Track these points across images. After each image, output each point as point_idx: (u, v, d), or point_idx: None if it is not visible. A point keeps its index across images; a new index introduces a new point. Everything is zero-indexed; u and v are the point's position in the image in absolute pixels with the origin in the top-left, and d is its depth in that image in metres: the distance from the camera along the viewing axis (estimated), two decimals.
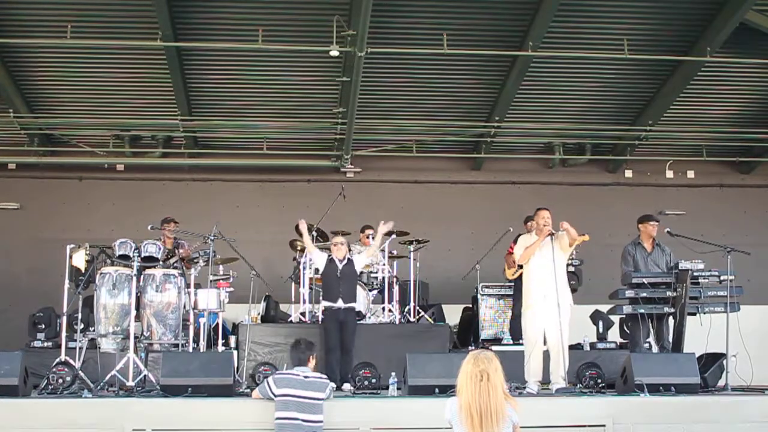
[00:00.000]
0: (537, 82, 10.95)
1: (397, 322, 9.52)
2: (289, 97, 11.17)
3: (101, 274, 7.50)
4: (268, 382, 6.14)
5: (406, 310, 9.88)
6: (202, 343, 8.19)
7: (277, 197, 12.20)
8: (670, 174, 12.80)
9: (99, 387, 7.01)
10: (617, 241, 8.96)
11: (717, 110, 11.80)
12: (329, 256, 8.67)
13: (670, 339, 8.33)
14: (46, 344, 9.14)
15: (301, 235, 9.03)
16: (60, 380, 6.89)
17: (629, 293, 8.25)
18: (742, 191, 12.90)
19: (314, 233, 9.67)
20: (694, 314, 8.15)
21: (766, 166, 12.78)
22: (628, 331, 8.99)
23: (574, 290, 9.50)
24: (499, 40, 10.06)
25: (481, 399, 4.04)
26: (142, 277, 7.57)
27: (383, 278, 9.69)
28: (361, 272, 9.14)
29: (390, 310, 9.60)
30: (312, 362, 6.25)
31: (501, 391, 4.09)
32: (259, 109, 11.36)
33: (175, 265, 8.34)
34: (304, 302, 9.47)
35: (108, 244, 7.84)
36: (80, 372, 7.13)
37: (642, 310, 8.18)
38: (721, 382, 7.75)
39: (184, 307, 7.83)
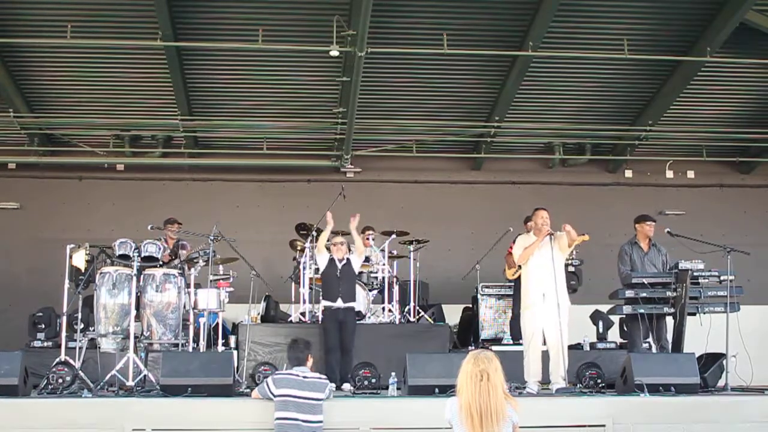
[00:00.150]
0: (537, 82, 10.95)
1: (397, 322, 9.52)
2: (289, 97, 11.17)
3: (101, 273, 7.49)
4: (267, 383, 6.13)
5: (406, 310, 9.88)
6: (202, 343, 8.19)
7: (277, 197, 12.20)
8: (670, 174, 12.81)
9: (99, 387, 7.00)
10: (617, 241, 8.96)
11: (717, 110, 11.80)
12: (330, 256, 8.68)
13: (668, 338, 8.34)
14: (46, 344, 9.14)
15: (308, 232, 9.00)
16: (60, 380, 6.89)
17: (629, 293, 8.25)
18: (742, 191, 12.90)
19: (314, 233, 9.67)
20: (694, 314, 8.15)
21: (765, 166, 12.78)
22: (627, 331, 9.00)
23: (574, 290, 9.55)
24: (499, 40, 10.06)
25: (481, 399, 4.04)
26: (142, 276, 7.57)
27: (383, 278, 9.70)
28: (361, 272, 9.14)
29: (390, 310, 9.60)
30: (310, 361, 6.25)
31: (501, 391, 4.09)
32: (259, 109, 11.36)
33: (180, 266, 8.35)
34: (304, 302, 9.48)
35: (108, 244, 7.84)
36: (80, 372, 7.13)
37: (642, 311, 8.18)
38: (721, 382, 7.75)
39: (184, 307, 7.84)
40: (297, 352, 6.24)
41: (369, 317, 9.36)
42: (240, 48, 10.06)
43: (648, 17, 9.87)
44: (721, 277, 8.15)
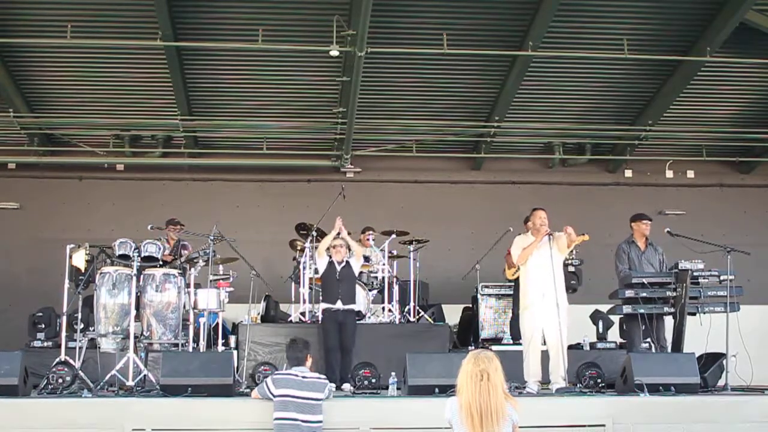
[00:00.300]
0: (537, 82, 10.96)
1: (397, 322, 9.52)
2: (289, 97, 11.17)
3: (101, 273, 7.49)
4: (266, 383, 6.13)
5: (406, 310, 9.88)
6: (202, 343, 8.20)
7: (277, 197, 12.20)
8: (670, 174, 12.81)
9: (99, 387, 7.00)
10: (617, 241, 8.95)
11: (717, 110, 11.80)
12: (329, 259, 8.69)
13: (666, 336, 8.35)
14: (46, 344, 9.14)
15: (307, 232, 9.01)
16: (60, 380, 6.89)
17: (629, 293, 8.25)
18: (742, 191, 12.90)
19: (314, 233, 9.68)
20: (694, 314, 8.16)
21: (766, 166, 12.79)
22: (626, 331, 9.00)
23: (574, 290, 9.55)
24: (499, 40, 10.06)
25: (481, 398, 4.04)
26: (142, 276, 7.56)
27: (383, 278, 9.70)
28: (361, 272, 9.14)
29: (390, 310, 9.61)
30: (309, 361, 6.24)
31: (501, 391, 4.10)
32: (259, 109, 11.36)
33: (182, 266, 8.34)
34: (304, 302, 9.48)
35: (108, 244, 7.84)
36: (80, 372, 7.13)
37: (642, 310, 8.18)
38: (721, 382, 7.75)
39: (184, 306, 7.83)
40: (296, 352, 6.24)
41: (369, 317, 9.36)
42: (240, 48, 10.06)
43: (648, 17, 9.87)
44: (721, 277, 8.15)
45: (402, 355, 7.10)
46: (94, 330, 7.51)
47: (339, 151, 11.64)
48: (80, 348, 7.44)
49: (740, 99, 11.57)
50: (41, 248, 11.27)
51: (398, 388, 7.14)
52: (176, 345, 7.63)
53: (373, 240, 10.18)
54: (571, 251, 9.41)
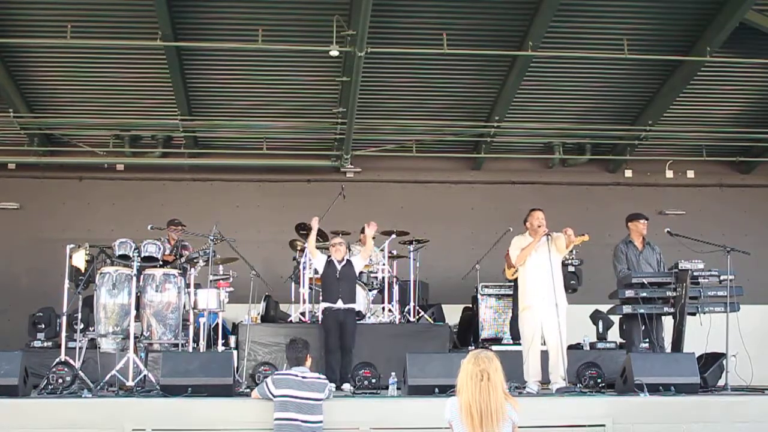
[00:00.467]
0: (537, 82, 10.95)
1: (397, 322, 9.53)
2: (289, 97, 11.16)
3: (101, 274, 7.50)
4: (266, 383, 6.13)
5: (406, 310, 9.88)
6: (202, 343, 8.20)
7: (277, 197, 12.20)
8: (669, 174, 12.80)
9: (99, 387, 7.00)
10: (617, 240, 8.94)
11: (717, 110, 11.80)
12: (328, 257, 8.67)
13: (664, 336, 8.35)
14: (46, 344, 9.14)
15: (307, 232, 9.01)
16: (60, 380, 6.89)
17: (629, 293, 8.25)
18: (742, 191, 12.90)
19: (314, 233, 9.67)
20: (693, 314, 8.16)
21: (766, 166, 12.78)
22: (625, 331, 8.99)
23: (574, 290, 9.55)
24: (499, 40, 10.05)
25: (481, 398, 4.04)
26: (141, 277, 7.57)
27: (383, 278, 9.70)
28: (361, 272, 9.14)
29: (390, 310, 9.60)
30: (309, 361, 6.24)
31: (501, 391, 4.10)
32: (259, 109, 11.36)
33: (182, 266, 8.35)
34: (304, 302, 9.48)
35: (108, 244, 7.85)
36: (80, 372, 7.13)
37: (642, 310, 8.18)
38: (721, 382, 7.75)
39: (184, 306, 7.83)
40: (296, 352, 6.24)
41: (369, 317, 9.36)
42: (240, 48, 10.06)
43: (648, 17, 9.87)
44: (721, 277, 8.15)
45: (402, 355, 7.11)
46: (94, 330, 7.52)
47: (339, 151, 11.64)
48: (80, 348, 7.44)
49: (740, 99, 11.56)
50: (41, 248, 11.27)
51: (398, 388, 7.14)
52: (176, 345, 7.63)
53: (373, 239, 10.16)
54: (571, 251, 9.42)
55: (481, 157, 12.29)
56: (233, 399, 6.63)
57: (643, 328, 8.26)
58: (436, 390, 6.60)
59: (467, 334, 10.22)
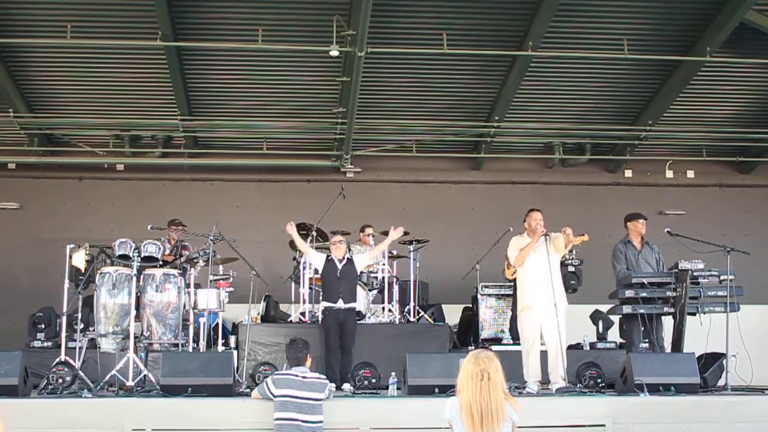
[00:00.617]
0: (537, 82, 10.95)
1: (397, 322, 9.52)
2: (289, 97, 11.17)
3: (101, 274, 7.50)
4: (266, 383, 6.13)
5: (406, 310, 9.88)
6: (202, 343, 8.20)
7: (277, 197, 12.19)
8: (669, 174, 12.80)
9: (99, 387, 7.00)
10: (617, 240, 8.95)
11: (717, 110, 11.80)
12: (328, 256, 8.64)
13: (664, 336, 8.34)
14: (46, 344, 9.13)
15: (307, 233, 9.00)
16: (60, 380, 6.89)
17: (629, 293, 8.25)
18: (742, 191, 12.90)
19: (314, 233, 9.67)
20: (693, 314, 8.16)
21: (766, 166, 12.78)
22: (625, 331, 8.99)
23: (574, 290, 9.55)
24: (499, 40, 10.06)
25: (481, 398, 4.04)
26: (141, 276, 7.57)
27: (383, 278, 9.70)
28: (361, 272, 9.14)
29: (390, 310, 9.60)
30: (309, 361, 6.24)
31: (501, 391, 4.10)
32: (259, 109, 11.36)
33: (182, 266, 8.35)
34: (304, 302, 9.48)
35: (108, 244, 7.85)
36: (80, 372, 7.13)
37: (642, 310, 8.18)
38: (721, 382, 7.75)
39: (184, 306, 7.83)
40: (296, 352, 6.24)
41: (369, 317, 9.36)
42: (240, 48, 10.06)
43: (648, 17, 9.87)
44: (721, 277, 8.15)
45: (402, 355, 7.11)
46: (94, 330, 7.52)
47: (339, 151, 11.64)
48: (80, 348, 7.44)
49: (740, 99, 11.56)
50: (41, 248, 11.27)
51: (398, 388, 7.15)
52: (176, 345, 7.63)
53: (373, 239, 10.17)
54: (571, 251, 9.42)
55: (481, 157, 12.29)
56: (233, 399, 6.63)
57: (643, 328, 8.26)
58: (436, 390, 6.60)
59: (467, 334, 10.22)
